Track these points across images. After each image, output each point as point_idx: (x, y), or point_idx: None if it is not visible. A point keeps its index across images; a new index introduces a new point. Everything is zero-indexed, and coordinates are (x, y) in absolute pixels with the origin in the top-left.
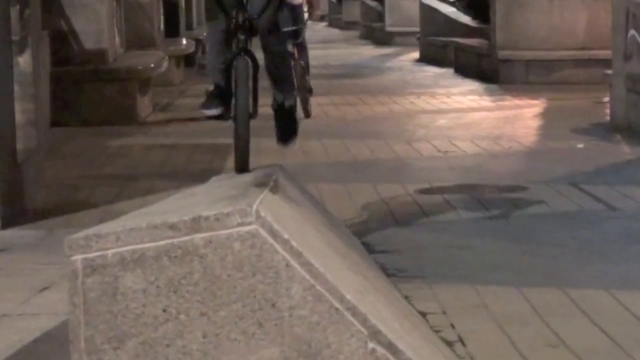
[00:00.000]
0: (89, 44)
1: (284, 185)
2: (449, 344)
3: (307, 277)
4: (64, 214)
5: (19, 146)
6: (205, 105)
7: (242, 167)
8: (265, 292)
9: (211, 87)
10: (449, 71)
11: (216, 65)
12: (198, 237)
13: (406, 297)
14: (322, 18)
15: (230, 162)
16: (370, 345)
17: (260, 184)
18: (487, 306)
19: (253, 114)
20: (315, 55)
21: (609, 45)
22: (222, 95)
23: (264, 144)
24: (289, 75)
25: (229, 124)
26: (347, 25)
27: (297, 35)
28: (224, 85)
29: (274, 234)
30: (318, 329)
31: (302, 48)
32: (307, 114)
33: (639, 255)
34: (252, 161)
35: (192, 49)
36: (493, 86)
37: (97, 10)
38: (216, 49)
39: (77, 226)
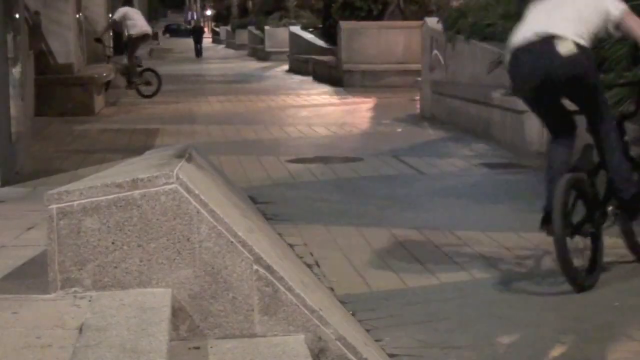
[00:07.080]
0: (61, 59)
1: (195, 157)
2: (309, 266)
3: (211, 220)
4: (44, 177)
5: (13, 130)
6: None
7: None
8: (182, 230)
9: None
10: (309, 79)
11: None
12: (136, 192)
13: (279, 234)
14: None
15: (159, 140)
16: (255, 267)
17: (179, 156)
18: (335, 240)
19: None
20: (217, 67)
21: (419, 60)
22: None
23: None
24: None
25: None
26: (239, 47)
27: None
28: None
29: (188, 190)
30: (219, 256)
31: None
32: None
33: (439, 205)
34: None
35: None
36: (339, 89)
37: (67, 37)
38: None
39: (53, 185)
